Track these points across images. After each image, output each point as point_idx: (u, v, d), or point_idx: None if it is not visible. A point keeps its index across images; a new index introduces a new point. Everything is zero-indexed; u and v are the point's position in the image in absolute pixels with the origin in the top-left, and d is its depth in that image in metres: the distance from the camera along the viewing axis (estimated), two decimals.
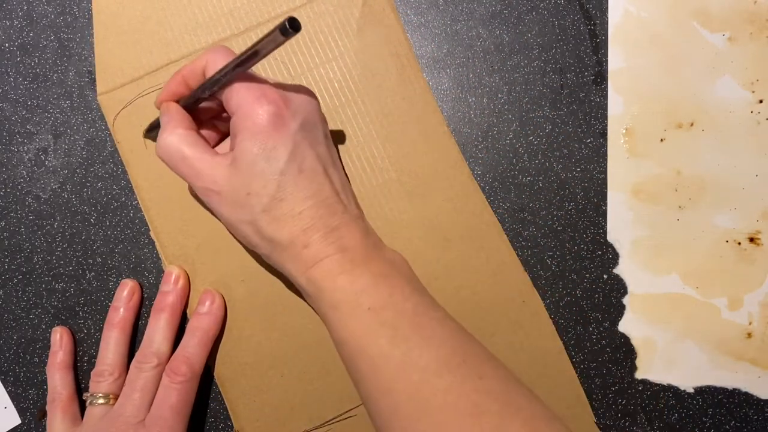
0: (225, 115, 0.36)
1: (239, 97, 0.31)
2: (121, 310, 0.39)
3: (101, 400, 0.37)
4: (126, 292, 0.39)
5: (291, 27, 0.27)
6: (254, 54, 0.30)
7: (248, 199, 0.31)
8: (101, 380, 0.37)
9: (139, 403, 0.36)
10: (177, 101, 0.35)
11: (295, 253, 0.32)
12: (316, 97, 0.34)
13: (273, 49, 0.30)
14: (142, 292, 0.40)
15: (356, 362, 0.32)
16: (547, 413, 0.31)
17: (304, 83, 0.39)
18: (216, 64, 0.32)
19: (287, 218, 0.32)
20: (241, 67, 0.31)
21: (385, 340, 0.31)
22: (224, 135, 0.37)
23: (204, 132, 0.36)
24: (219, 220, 0.34)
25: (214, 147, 0.36)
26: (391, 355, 0.31)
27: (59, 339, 0.39)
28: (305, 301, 0.36)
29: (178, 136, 0.33)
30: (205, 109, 0.36)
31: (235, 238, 0.36)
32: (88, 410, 0.37)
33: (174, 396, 0.36)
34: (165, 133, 0.33)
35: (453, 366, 0.31)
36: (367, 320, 0.31)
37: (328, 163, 0.34)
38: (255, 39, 0.39)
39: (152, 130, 0.38)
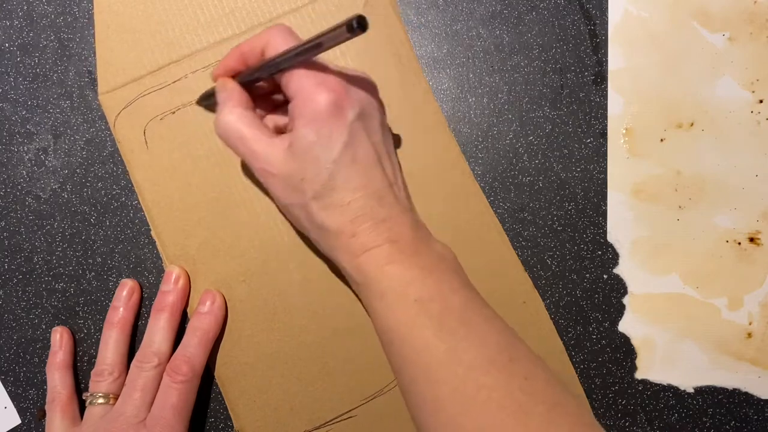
0: (278, 96, 0.36)
1: (299, 82, 0.31)
2: (121, 309, 0.39)
3: (101, 400, 0.37)
4: (125, 291, 0.39)
5: (359, 26, 0.27)
6: (317, 45, 0.30)
7: (302, 184, 0.32)
8: (101, 380, 0.37)
9: (139, 402, 0.36)
10: (233, 77, 0.35)
11: (344, 241, 0.32)
12: (375, 86, 0.34)
13: (336, 44, 0.30)
14: (141, 291, 0.40)
15: (399, 351, 0.32)
16: (592, 420, 0.31)
17: None
18: (276, 45, 0.32)
19: (336, 207, 0.32)
20: (301, 56, 0.31)
21: (430, 332, 0.31)
22: (276, 113, 0.37)
23: (258, 109, 0.36)
24: (273, 200, 0.35)
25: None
26: (437, 348, 0.30)
27: (59, 339, 0.39)
28: (352, 289, 0.35)
29: (237, 115, 0.33)
30: (263, 87, 0.35)
31: (286, 219, 0.37)
32: (88, 410, 0.37)
33: (175, 396, 0.36)
34: (224, 111, 0.33)
35: (499, 364, 0.31)
36: (414, 311, 0.31)
37: (383, 153, 0.33)
38: None
39: (206, 99, 0.38)
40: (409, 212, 0.34)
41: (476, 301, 0.33)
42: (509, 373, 0.30)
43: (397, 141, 0.39)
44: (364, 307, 0.34)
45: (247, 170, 0.39)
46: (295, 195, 0.32)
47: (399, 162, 0.36)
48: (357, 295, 0.34)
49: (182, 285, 0.39)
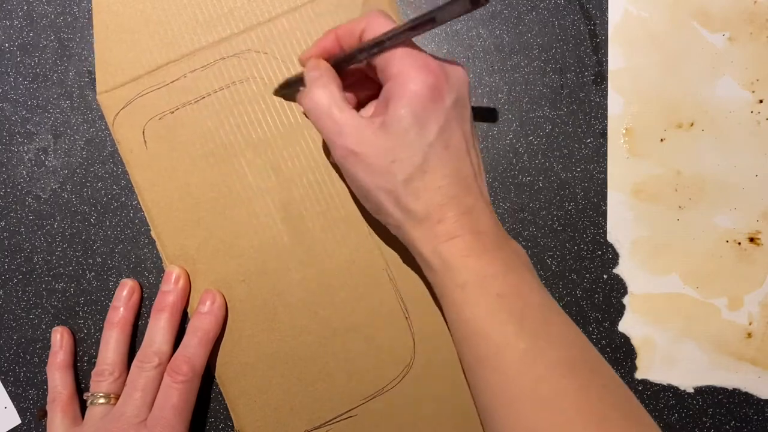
0: (362, 84, 0.36)
1: (401, 63, 0.31)
2: (121, 309, 0.39)
3: (102, 400, 0.37)
4: (126, 291, 0.39)
5: None
6: (431, 20, 0.29)
7: (391, 166, 0.31)
8: (102, 380, 0.37)
9: (140, 402, 0.36)
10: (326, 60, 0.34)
11: (428, 226, 0.32)
12: (467, 76, 0.34)
13: (450, 18, 0.29)
14: (141, 291, 0.40)
15: (476, 345, 0.31)
16: None
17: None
18: (376, 28, 0.32)
19: (427, 191, 0.31)
20: (412, 32, 0.30)
21: (512, 328, 0.30)
22: (359, 102, 0.36)
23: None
24: (349, 184, 0.34)
25: None
26: (516, 346, 0.30)
27: (59, 339, 0.39)
28: (425, 275, 0.35)
29: (329, 91, 0.32)
30: (347, 74, 0.35)
31: (361, 203, 0.35)
32: (89, 410, 0.37)
33: (175, 396, 0.36)
34: (315, 86, 0.32)
35: (578, 370, 0.30)
36: (495, 305, 0.31)
37: (471, 143, 0.33)
38: (255, 38, 0.39)
39: (286, 88, 0.37)
40: (490, 206, 0.34)
41: (553, 303, 0.33)
42: (587, 379, 0.30)
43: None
44: (438, 296, 0.33)
45: (327, 153, 0.38)
46: (382, 178, 0.31)
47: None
48: (430, 280, 0.34)
49: (182, 285, 0.39)
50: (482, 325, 0.31)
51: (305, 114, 0.33)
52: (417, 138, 0.31)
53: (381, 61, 0.32)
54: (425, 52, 0.32)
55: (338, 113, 0.32)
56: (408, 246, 0.34)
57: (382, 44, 0.31)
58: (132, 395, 0.36)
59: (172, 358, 0.37)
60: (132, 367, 0.37)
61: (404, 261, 0.39)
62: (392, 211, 0.32)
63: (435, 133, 0.31)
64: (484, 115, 0.40)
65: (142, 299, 0.40)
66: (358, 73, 0.35)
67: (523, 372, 0.30)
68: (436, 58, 0.32)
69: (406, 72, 0.30)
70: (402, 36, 0.30)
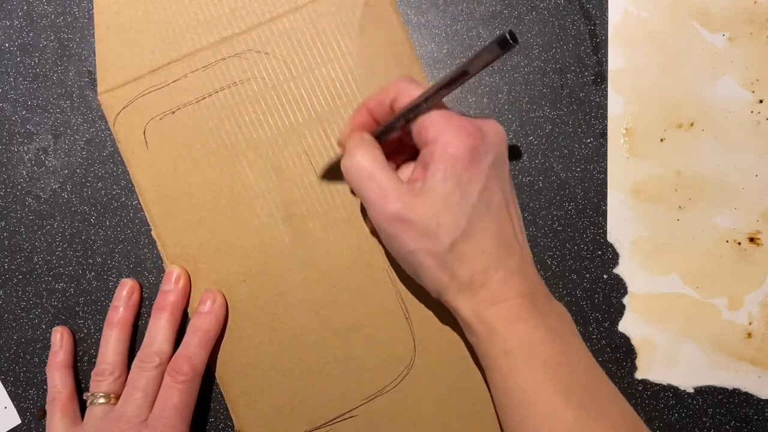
0: (399, 149, 0.35)
1: (438, 126, 0.31)
2: (121, 309, 0.39)
3: (102, 400, 0.37)
4: (125, 291, 0.39)
5: (512, 39, 0.26)
6: (463, 73, 0.29)
7: (437, 230, 0.31)
8: (102, 379, 0.37)
9: (141, 402, 0.36)
10: None
11: (473, 292, 0.31)
12: (504, 132, 0.33)
13: (483, 67, 0.29)
14: (141, 291, 0.40)
15: (521, 414, 0.31)
16: None
17: (306, 83, 0.39)
18: (407, 93, 0.32)
19: (471, 255, 0.31)
20: (447, 89, 0.30)
21: (559, 399, 0.30)
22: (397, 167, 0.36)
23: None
24: (390, 247, 0.33)
25: None
26: (563, 418, 0.30)
27: (59, 338, 0.39)
28: (469, 339, 0.34)
29: (370, 155, 0.32)
30: (386, 143, 0.35)
31: (404, 267, 0.35)
32: (89, 410, 0.37)
33: (176, 396, 0.36)
34: (357, 151, 0.32)
35: None
36: (542, 374, 0.30)
37: (510, 200, 0.33)
38: (256, 38, 0.39)
39: (331, 171, 0.38)
40: (533, 265, 0.34)
41: (598, 370, 0.33)
42: None
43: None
44: (480, 360, 0.33)
45: (366, 217, 0.38)
46: (428, 241, 0.31)
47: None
48: (474, 346, 0.33)
49: (183, 285, 0.39)
50: (529, 395, 0.31)
51: (348, 183, 0.33)
52: (460, 201, 0.30)
53: (416, 126, 0.31)
54: (460, 112, 0.32)
55: (382, 177, 0.31)
56: (450, 308, 0.33)
57: (417, 109, 0.31)
58: (133, 395, 0.36)
59: (173, 358, 0.37)
60: (132, 366, 0.37)
61: None
62: (436, 275, 0.32)
63: (476, 195, 0.31)
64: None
65: (142, 299, 0.40)
66: (396, 141, 0.35)
67: None
68: (473, 118, 0.32)
69: (443, 136, 0.30)
70: (437, 96, 0.30)
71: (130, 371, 0.37)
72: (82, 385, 0.40)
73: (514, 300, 0.31)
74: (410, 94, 0.32)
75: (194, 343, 0.37)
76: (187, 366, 0.36)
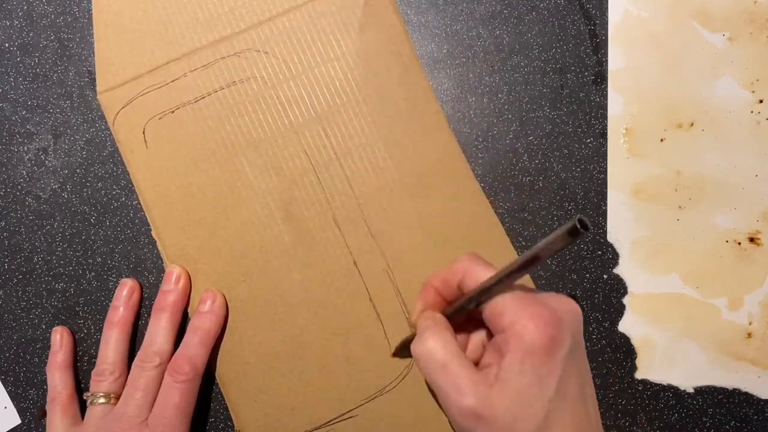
0: (468, 327, 0.34)
1: (512, 313, 0.29)
2: (121, 309, 0.39)
3: (102, 400, 0.37)
4: (125, 291, 0.39)
5: (582, 227, 0.25)
6: (534, 259, 0.27)
7: (514, 425, 0.29)
8: (102, 379, 0.37)
9: (141, 402, 0.36)
10: None
11: None
12: (580, 312, 0.32)
13: (554, 253, 0.28)
14: (141, 290, 0.40)
15: None
16: None
17: (305, 82, 0.39)
18: (476, 274, 0.31)
19: None
20: (518, 273, 0.29)
21: None
22: (463, 347, 0.34)
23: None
24: None
25: None
26: None
27: (59, 338, 0.39)
28: None
29: (444, 343, 0.31)
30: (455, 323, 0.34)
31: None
32: (89, 410, 0.37)
33: (177, 395, 0.36)
34: (429, 336, 0.31)
35: None
36: None
37: (586, 384, 0.32)
38: (256, 37, 0.39)
39: (404, 349, 0.37)
40: None
41: None
42: None
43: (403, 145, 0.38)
44: None
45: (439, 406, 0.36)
46: None
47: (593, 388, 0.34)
48: None
49: (183, 284, 0.39)
50: None
51: (420, 369, 0.31)
52: (537, 394, 0.29)
53: (489, 309, 0.30)
54: (536, 294, 0.30)
55: (455, 367, 0.30)
56: None
57: (488, 291, 0.30)
58: (133, 395, 0.36)
59: (173, 358, 0.37)
60: (133, 366, 0.37)
61: (405, 262, 0.39)
62: None
63: (554, 387, 0.29)
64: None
65: (142, 299, 0.40)
66: (467, 319, 0.34)
67: None
68: (549, 302, 0.30)
69: (519, 324, 0.29)
70: (508, 280, 0.29)
71: (131, 371, 0.37)
72: (82, 385, 0.40)
73: None
74: (478, 277, 0.30)
75: (194, 343, 0.37)
76: (187, 366, 0.36)
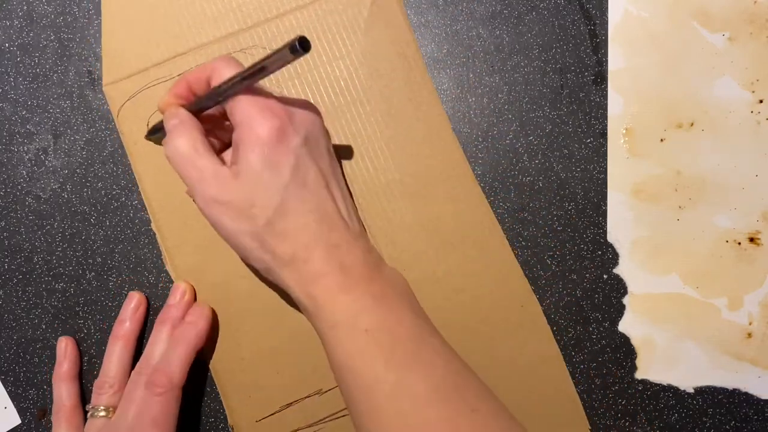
0: (227, 124, 0.36)
1: (244, 109, 0.31)
2: (127, 323, 0.39)
3: (102, 413, 0.37)
4: (133, 304, 0.39)
5: (301, 46, 0.27)
6: (261, 69, 0.30)
7: (252, 211, 0.31)
8: (102, 392, 0.37)
9: (133, 416, 0.35)
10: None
11: (296, 268, 0.32)
12: (319, 112, 0.34)
13: (280, 67, 0.30)
14: (148, 304, 0.40)
15: (349, 383, 0.32)
16: None
17: (310, 80, 0.39)
18: (222, 74, 0.32)
19: (290, 232, 0.32)
20: (247, 81, 0.31)
21: (380, 363, 0.31)
22: (225, 145, 0.37)
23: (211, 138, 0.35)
24: (216, 230, 0.34)
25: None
26: (385, 380, 0.31)
27: (64, 349, 0.39)
28: (304, 315, 0.35)
29: (190, 139, 0.32)
30: (208, 118, 0.35)
31: (233, 249, 0.36)
32: (89, 421, 0.37)
33: (155, 408, 0.35)
34: (176, 134, 0.33)
35: (446, 396, 0.31)
36: (364, 342, 0.31)
37: (330, 178, 0.34)
38: (263, 34, 0.39)
39: (155, 133, 0.38)
40: (360, 237, 0.34)
41: (425, 330, 0.34)
42: (456, 407, 0.31)
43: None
44: (318, 336, 0.34)
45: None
46: (246, 223, 0.32)
47: (348, 186, 0.37)
48: (310, 322, 0.34)
49: (187, 299, 0.39)
50: (354, 363, 0.31)
51: (171, 165, 0.33)
52: (271, 180, 0.31)
53: (229, 107, 0.32)
54: (270, 93, 0.32)
55: (200, 161, 0.32)
56: (281, 287, 0.34)
57: (224, 92, 0.32)
58: (127, 408, 0.36)
59: (153, 370, 0.36)
60: (130, 379, 0.37)
61: (405, 262, 0.39)
62: (259, 255, 0.33)
63: (288, 174, 0.31)
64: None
65: (148, 313, 0.40)
66: (222, 117, 0.35)
67: (393, 406, 0.30)
68: (282, 99, 0.32)
69: (250, 117, 0.31)
70: (239, 85, 0.31)
71: (128, 383, 0.37)
72: (83, 383, 0.40)
73: (336, 273, 0.32)
74: (221, 76, 0.32)
75: (174, 355, 0.36)
76: (164, 378, 0.36)
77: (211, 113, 0.35)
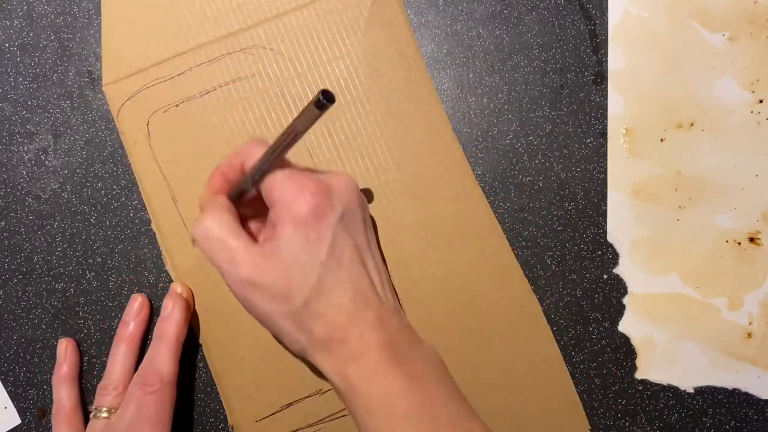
0: (266, 210, 0.35)
1: (281, 187, 0.31)
2: (131, 325, 0.39)
3: (104, 414, 0.36)
4: (136, 306, 0.39)
5: (326, 99, 0.27)
6: (292, 134, 0.29)
7: (288, 291, 0.31)
8: (105, 394, 0.37)
9: (131, 416, 0.35)
10: None
11: (331, 348, 0.31)
12: (355, 184, 0.34)
13: (310, 125, 0.29)
14: (151, 306, 0.40)
15: None
16: None
17: (311, 80, 0.39)
18: (254, 155, 0.32)
19: (326, 312, 0.31)
20: (281, 151, 0.30)
21: None
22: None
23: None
24: (249, 312, 0.33)
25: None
26: None
27: (64, 351, 0.39)
28: (338, 396, 0.35)
29: (220, 220, 0.32)
30: (248, 204, 0.35)
31: (266, 329, 0.35)
32: (91, 423, 0.37)
33: (149, 408, 0.35)
34: (206, 216, 0.32)
35: None
36: (403, 429, 0.30)
37: (366, 252, 0.33)
38: (263, 34, 0.39)
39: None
40: (396, 313, 0.34)
41: (464, 413, 0.33)
42: None
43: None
44: (351, 417, 0.33)
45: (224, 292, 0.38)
46: (280, 303, 0.31)
47: (384, 261, 0.37)
48: (344, 404, 0.33)
49: (186, 296, 0.39)
50: None
51: (198, 248, 0.33)
52: (308, 259, 0.31)
53: (264, 187, 0.32)
54: (306, 171, 0.32)
55: (231, 241, 0.31)
56: (317, 368, 0.33)
57: (260, 170, 0.31)
58: (126, 408, 0.36)
59: (142, 370, 0.36)
60: (132, 381, 0.37)
61: (404, 262, 0.39)
62: (295, 336, 0.32)
63: (325, 254, 0.31)
64: None
65: (151, 314, 0.40)
66: (260, 200, 0.34)
67: None
68: (318, 176, 0.32)
69: (287, 195, 0.31)
70: (274, 156, 0.31)
71: (129, 385, 0.37)
72: (81, 385, 0.40)
73: (372, 354, 0.31)
74: (254, 157, 0.32)
75: (160, 352, 0.36)
76: (154, 377, 0.36)
77: (251, 199, 0.34)
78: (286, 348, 0.34)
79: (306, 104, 0.28)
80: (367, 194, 0.39)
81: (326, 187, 0.32)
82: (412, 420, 0.30)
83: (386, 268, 0.37)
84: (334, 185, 0.32)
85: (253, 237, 0.33)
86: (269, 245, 0.31)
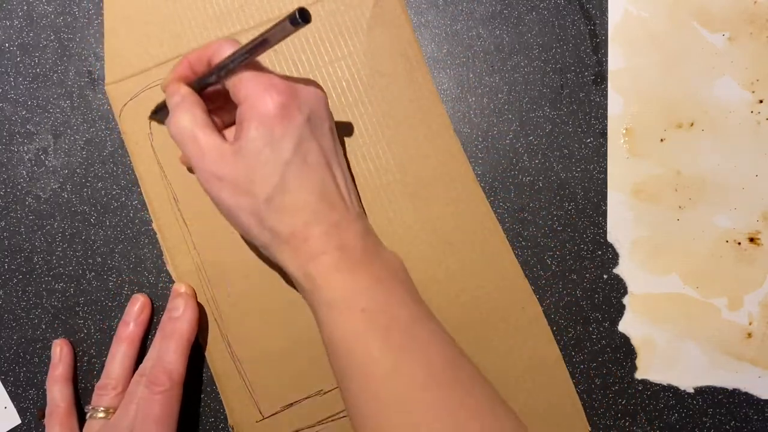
0: (230, 102, 0.35)
1: (248, 86, 0.31)
2: (131, 325, 0.39)
3: (101, 414, 0.36)
4: (137, 307, 0.39)
5: (301, 18, 0.28)
6: (263, 42, 0.30)
7: (252, 187, 0.31)
8: (104, 394, 0.37)
9: (134, 415, 0.35)
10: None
11: (294, 246, 0.32)
12: (323, 91, 0.34)
13: (282, 39, 0.30)
14: (152, 306, 0.40)
15: (344, 363, 0.32)
16: None
17: None
18: (222, 53, 0.32)
19: (289, 210, 0.32)
20: (250, 55, 0.31)
21: (376, 345, 0.31)
22: (227, 125, 0.37)
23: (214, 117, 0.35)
24: (216, 206, 0.34)
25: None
26: (381, 362, 0.31)
27: (59, 352, 0.39)
28: (301, 295, 0.35)
29: (191, 115, 0.33)
30: (211, 96, 0.35)
31: (232, 226, 0.36)
32: (88, 422, 0.37)
33: (156, 407, 0.35)
34: (178, 111, 0.33)
35: (441, 381, 0.31)
36: (361, 322, 0.31)
37: (332, 157, 0.33)
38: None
39: (158, 112, 0.38)
40: (360, 219, 0.34)
41: (422, 314, 0.33)
42: (450, 390, 0.31)
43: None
44: (313, 315, 0.34)
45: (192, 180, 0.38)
46: (245, 199, 0.32)
47: (350, 168, 0.37)
48: (306, 301, 0.34)
49: (192, 301, 0.39)
50: (349, 343, 0.31)
51: (174, 141, 0.33)
52: (272, 157, 0.31)
53: (231, 84, 0.32)
54: (273, 72, 0.32)
55: (202, 137, 0.32)
56: (279, 265, 0.34)
57: (226, 67, 0.32)
58: (128, 407, 0.36)
59: (151, 369, 0.36)
60: (132, 379, 0.37)
61: (404, 257, 0.39)
62: (258, 232, 0.33)
63: (290, 151, 0.31)
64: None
65: (152, 315, 0.40)
66: (225, 96, 0.35)
67: (388, 388, 0.30)
68: (286, 77, 0.32)
69: (253, 94, 0.31)
70: (241, 59, 0.31)
71: (130, 384, 0.37)
72: (81, 386, 0.40)
73: (334, 252, 0.32)
74: (222, 54, 0.32)
75: (170, 351, 0.36)
76: (164, 376, 0.35)
77: (213, 92, 0.35)
78: (254, 243, 0.34)
79: (282, 18, 0.28)
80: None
81: (294, 89, 0.32)
82: (370, 315, 0.31)
83: (353, 178, 0.38)
84: (302, 89, 0.33)
85: (222, 134, 0.33)
86: (237, 142, 0.32)
